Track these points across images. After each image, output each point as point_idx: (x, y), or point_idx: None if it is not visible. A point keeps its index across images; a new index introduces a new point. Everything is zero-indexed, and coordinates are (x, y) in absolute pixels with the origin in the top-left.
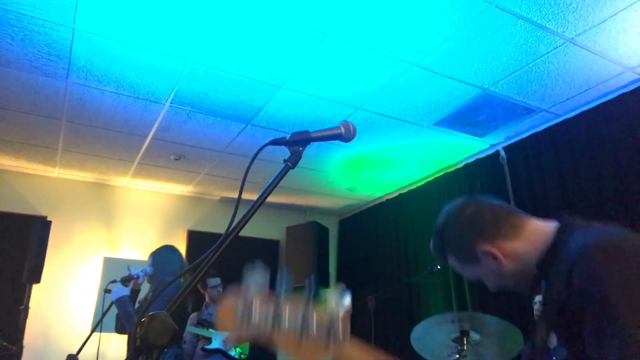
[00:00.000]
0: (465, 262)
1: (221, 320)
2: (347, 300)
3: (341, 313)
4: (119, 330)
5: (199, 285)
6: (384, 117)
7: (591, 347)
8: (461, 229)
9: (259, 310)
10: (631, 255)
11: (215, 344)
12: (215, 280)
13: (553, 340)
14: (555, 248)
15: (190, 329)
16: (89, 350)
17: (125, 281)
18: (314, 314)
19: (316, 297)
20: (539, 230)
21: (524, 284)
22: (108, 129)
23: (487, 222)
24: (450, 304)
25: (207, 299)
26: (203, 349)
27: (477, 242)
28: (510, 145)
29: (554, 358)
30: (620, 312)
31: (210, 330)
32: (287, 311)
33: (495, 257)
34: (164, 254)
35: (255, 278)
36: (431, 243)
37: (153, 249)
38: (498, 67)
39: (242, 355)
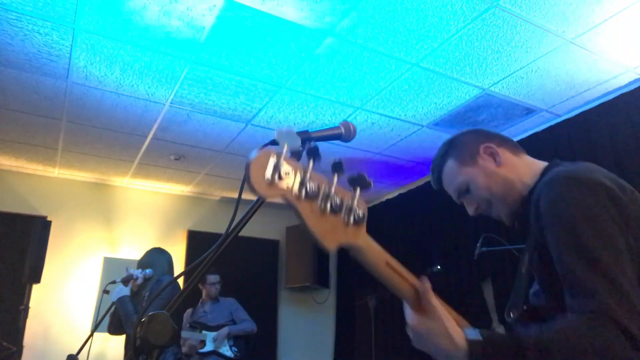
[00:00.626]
0: (463, 163)
1: (252, 173)
2: (370, 186)
3: (359, 193)
4: (112, 331)
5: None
6: (384, 117)
7: (556, 264)
8: (470, 133)
9: (288, 171)
10: (595, 184)
11: (209, 347)
12: (215, 277)
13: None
14: (537, 182)
15: (184, 333)
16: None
17: (125, 282)
18: (338, 191)
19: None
20: (534, 164)
21: (509, 207)
22: (108, 129)
23: (495, 134)
24: (450, 304)
25: (204, 296)
26: (198, 353)
27: (482, 141)
28: None
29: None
30: (578, 228)
31: (204, 332)
32: (312, 180)
33: (494, 158)
34: (152, 255)
35: (289, 140)
36: (436, 154)
37: None
38: (498, 67)
39: (237, 354)
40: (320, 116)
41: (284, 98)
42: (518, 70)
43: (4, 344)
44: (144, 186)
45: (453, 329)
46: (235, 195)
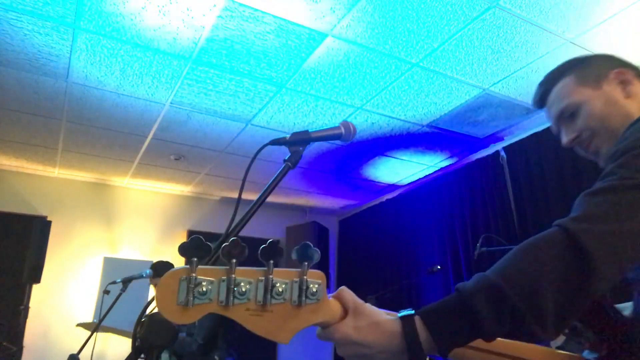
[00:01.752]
0: (583, 82)
1: (161, 303)
2: (316, 255)
3: (308, 267)
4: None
5: None
6: (384, 117)
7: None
8: (604, 55)
9: (205, 283)
10: None
11: None
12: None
13: None
14: None
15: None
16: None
17: (126, 282)
18: (280, 275)
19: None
20: None
21: (609, 143)
22: (108, 129)
23: (633, 65)
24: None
25: None
26: None
27: (617, 65)
28: (510, 145)
29: None
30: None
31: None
32: (242, 278)
33: (625, 87)
34: (163, 266)
35: (196, 251)
36: (554, 68)
37: (153, 249)
38: (498, 67)
39: None
40: (320, 116)
41: (284, 98)
42: (518, 70)
43: (4, 344)
44: (144, 186)
45: (373, 316)
46: (235, 195)
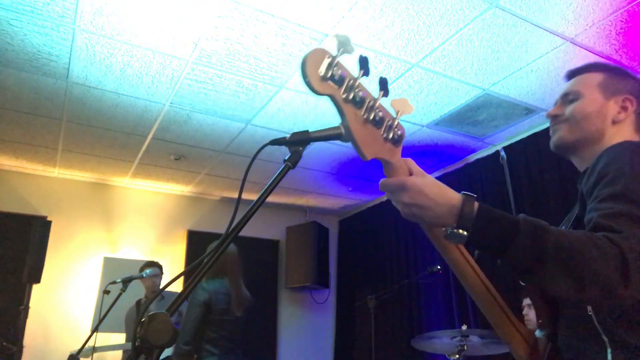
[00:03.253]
0: (602, 87)
1: (307, 66)
2: (409, 108)
3: (400, 114)
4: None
5: None
6: None
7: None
8: (633, 77)
9: (341, 73)
10: None
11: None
12: (154, 270)
13: None
14: None
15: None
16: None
17: (126, 282)
18: (381, 108)
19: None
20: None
21: (574, 143)
22: (108, 129)
23: None
24: (450, 304)
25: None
26: None
27: (631, 92)
28: (510, 145)
29: None
30: (629, 180)
31: None
32: (360, 89)
33: (620, 111)
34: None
35: (347, 47)
36: (603, 61)
37: (153, 249)
38: (498, 67)
39: None
40: (320, 116)
41: (284, 98)
42: (518, 70)
43: (4, 344)
44: (144, 186)
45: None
46: (235, 195)
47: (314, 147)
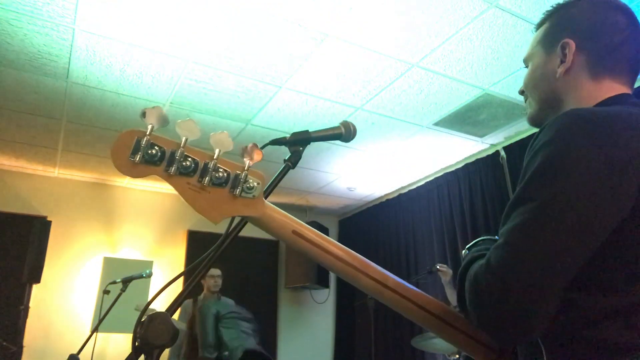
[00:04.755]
0: (544, 40)
1: (114, 155)
2: (257, 155)
3: (250, 164)
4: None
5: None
6: (384, 117)
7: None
8: (579, 7)
9: (156, 149)
10: (603, 127)
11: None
12: (216, 271)
13: None
14: None
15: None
16: (89, 350)
17: (126, 282)
18: (224, 164)
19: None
20: (605, 92)
21: (538, 112)
22: (108, 129)
23: (601, 34)
24: (450, 304)
25: (205, 290)
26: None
27: (573, 34)
28: (510, 145)
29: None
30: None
31: None
32: (190, 155)
33: (561, 64)
34: None
35: (157, 119)
36: (554, 5)
37: (153, 249)
38: (498, 67)
39: None
40: (320, 116)
41: (284, 98)
42: (518, 70)
43: (4, 344)
44: (144, 186)
45: None
46: None
47: (314, 147)
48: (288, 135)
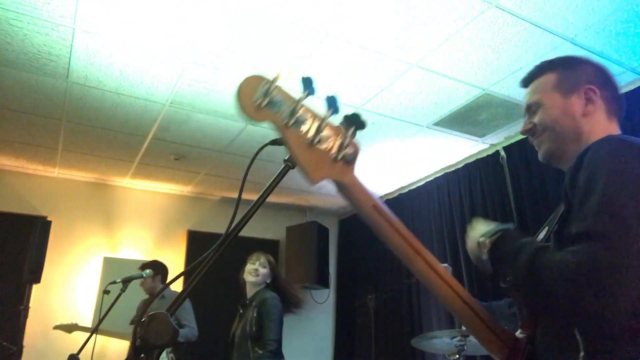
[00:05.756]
0: (558, 86)
1: (241, 95)
2: (363, 125)
3: (351, 138)
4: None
5: None
6: (384, 117)
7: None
8: (593, 66)
9: (279, 98)
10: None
11: None
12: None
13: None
14: None
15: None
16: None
17: (126, 282)
18: (330, 127)
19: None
20: (612, 131)
21: (556, 149)
22: (108, 129)
23: (612, 84)
24: None
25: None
26: None
27: (593, 81)
28: (510, 145)
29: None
30: (606, 184)
31: None
32: (305, 112)
33: (587, 104)
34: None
35: (288, 77)
36: (554, 58)
37: (153, 249)
38: (498, 67)
39: None
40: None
41: None
42: (518, 70)
43: (4, 344)
44: (144, 186)
45: None
46: (235, 195)
47: None
48: None
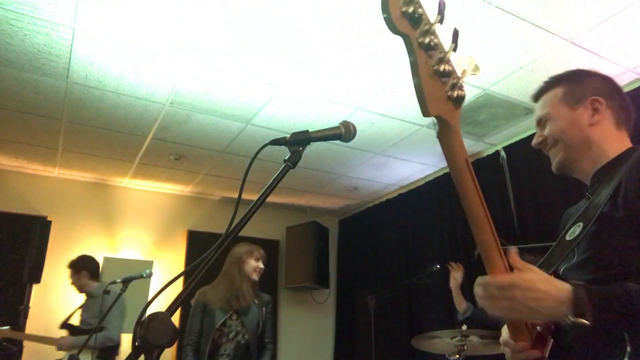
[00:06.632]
0: (565, 99)
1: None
2: (476, 69)
3: (467, 74)
4: None
5: None
6: (384, 117)
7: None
8: (599, 78)
9: (422, 13)
10: None
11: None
12: None
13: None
14: (618, 159)
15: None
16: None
17: (126, 282)
18: (451, 62)
19: None
20: (624, 141)
21: (568, 159)
22: (108, 129)
23: (619, 94)
24: (450, 304)
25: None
26: None
27: (599, 92)
28: (510, 145)
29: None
30: None
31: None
32: (436, 37)
33: (593, 114)
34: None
35: None
36: (562, 73)
37: (153, 249)
38: (498, 67)
39: None
40: (320, 116)
41: (284, 98)
42: (518, 70)
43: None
44: (144, 186)
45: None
46: (235, 195)
47: (314, 147)
48: (288, 136)
